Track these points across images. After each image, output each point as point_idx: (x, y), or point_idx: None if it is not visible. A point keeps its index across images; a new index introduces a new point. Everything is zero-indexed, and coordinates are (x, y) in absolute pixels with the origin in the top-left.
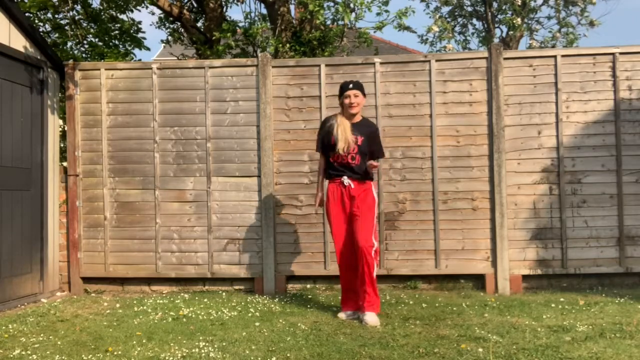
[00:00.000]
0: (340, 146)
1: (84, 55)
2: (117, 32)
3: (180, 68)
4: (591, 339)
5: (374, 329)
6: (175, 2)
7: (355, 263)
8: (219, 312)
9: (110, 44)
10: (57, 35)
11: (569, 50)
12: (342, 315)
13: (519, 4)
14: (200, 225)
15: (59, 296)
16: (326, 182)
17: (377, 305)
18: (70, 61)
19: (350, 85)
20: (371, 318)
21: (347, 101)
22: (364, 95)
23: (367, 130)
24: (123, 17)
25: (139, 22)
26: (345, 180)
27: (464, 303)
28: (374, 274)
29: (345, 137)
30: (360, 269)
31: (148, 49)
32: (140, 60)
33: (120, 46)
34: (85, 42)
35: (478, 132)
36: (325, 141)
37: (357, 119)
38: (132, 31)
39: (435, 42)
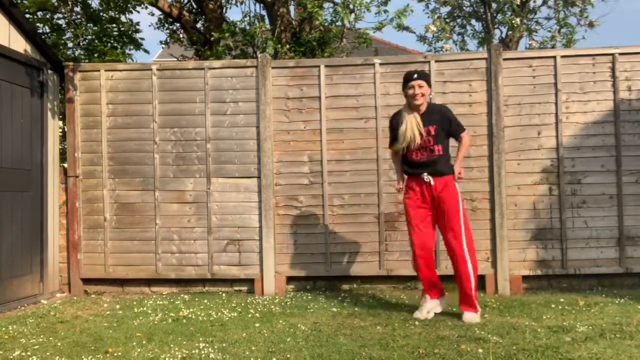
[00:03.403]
0: (408, 142)
1: (83, 56)
2: (115, 33)
3: (180, 69)
4: (591, 339)
5: (377, 331)
6: (175, 4)
7: (433, 262)
8: (219, 313)
9: (110, 44)
10: (56, 36)
11: (569, 50)
12: (427, 305)
13: (518, 4)
14: (200, 226)
15: (58, 297)
16: (406, 176)
17: (474, 304)
18: (70, 63)
19: (415, 76)
20: (468, 316)
21: (410, 92)
22: (430, 85)
23: (437, 116)
24: (122, 17)
25: (137, 23)
26: (426, 176)
27: None
28: (471, 272)
29: (413, 134)
30: (455, 270)
31: (147, 51)
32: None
33: (119, 48)
34: (84, 43)
35: (478, 133)
36: (395, 138)
37: (424, 108)
38: (130, 32)
39: (433, 42)
